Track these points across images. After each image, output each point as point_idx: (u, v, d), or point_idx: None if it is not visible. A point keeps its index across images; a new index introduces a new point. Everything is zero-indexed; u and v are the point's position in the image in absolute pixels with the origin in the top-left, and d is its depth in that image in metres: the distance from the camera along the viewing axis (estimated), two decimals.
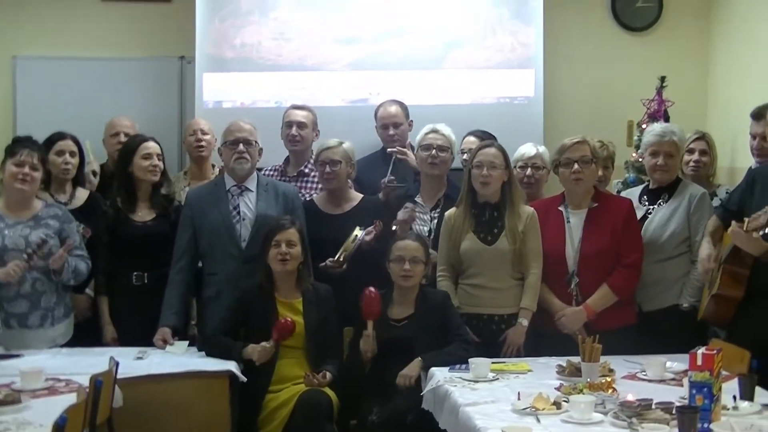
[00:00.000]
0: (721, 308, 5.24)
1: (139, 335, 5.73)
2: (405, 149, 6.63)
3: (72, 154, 6.14)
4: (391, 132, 6.83)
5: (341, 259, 5.92)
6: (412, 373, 5.24)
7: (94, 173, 6.63)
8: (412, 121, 6.93)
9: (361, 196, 6.33)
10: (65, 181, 6.16)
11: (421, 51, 7.66)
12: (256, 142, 6.10)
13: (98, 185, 6.57)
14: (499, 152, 5.69)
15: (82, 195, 6.22)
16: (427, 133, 6.14)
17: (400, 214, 5.97)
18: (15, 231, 5.54)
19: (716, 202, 6.08)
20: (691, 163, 6.36)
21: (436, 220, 6.00)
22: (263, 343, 5.42)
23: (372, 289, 5.44)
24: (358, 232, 5.95)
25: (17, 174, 5.52)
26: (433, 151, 6.07)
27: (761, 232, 4.87)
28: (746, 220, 4.99)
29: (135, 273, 5.94)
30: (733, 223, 5.06)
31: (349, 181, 6.36)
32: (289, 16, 7.64)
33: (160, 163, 6.05)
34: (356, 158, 6.38)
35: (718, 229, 5.49)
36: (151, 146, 6.04)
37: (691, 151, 6.36)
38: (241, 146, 6.01)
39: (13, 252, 5.48)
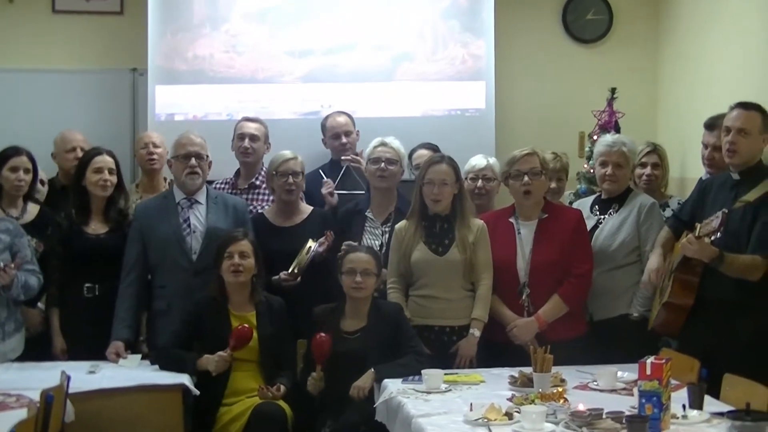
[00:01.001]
0: (671, 316, 5.29)
1: (90, 347, 5.70)
2: (358, 158, 6.65)
3: (26, 170, 6.05)
4: (344, 140, 6.88)
5: (295, 272, 5.92)
6: (365, 384, 5.23)
7: (41, 182, 6.53)
8: (359, 131, 6.99)
9: (311, 208, 6.37)
10: (17, 197, 6.10)
11: (372, 64, 7.68)
12: (207, 155, 6.10)
13: (47, 199, 6.52)
14: (449, 168, 5.71)
15: (33, 209, 6.15)
16: (376, 147, 6.16)
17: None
18: None
19: (668, 212, 6.13)
20: (644, 177, 6.39)
21: (387, 235, 6.00)
22: (220, 353, 5.41)
23: (322, 334, 5.41)
24: (312, 244, 5.96)
25: None
26: (382, 164, 6.08)
27: (712, 237, 4.94)
28: (698, 225, 5.06)
29: (86, 285, 5.89)
30: (684, 235, 5.13)
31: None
32: (240, 29, 7.64)
33: (112, 177, 5.99)
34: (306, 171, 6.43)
35: (670, 239, 5.54)
36: (102, 160, 5.99)
37: (643, 165, 6.39)
38: (193, 160, 6.01)
39: None
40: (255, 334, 5.55)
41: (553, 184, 6.24)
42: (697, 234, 5.02)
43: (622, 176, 5.99)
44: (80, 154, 6.59)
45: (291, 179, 6.18)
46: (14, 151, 6.07)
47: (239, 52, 7.64)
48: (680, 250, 5.22)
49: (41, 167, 6.38)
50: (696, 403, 4.28)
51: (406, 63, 7.70)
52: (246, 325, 5.48)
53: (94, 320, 5.85)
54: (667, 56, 8.07)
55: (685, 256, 5.15)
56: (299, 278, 5.94)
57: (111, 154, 6.08)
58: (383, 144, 6.15)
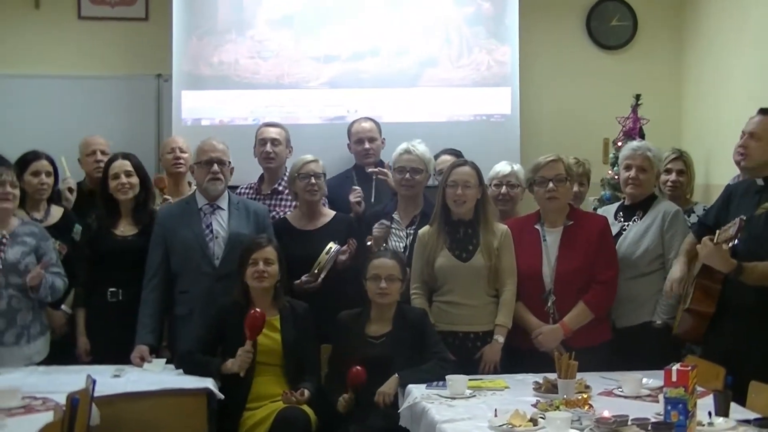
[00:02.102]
0: (693, 322, 5.28)
1: (114, 352, 5.72)
2: (385, 170, 6.64)
3: (47, 174, 6.11)
4: (367, 146, 6.88)
5: (316, 272, 5.93)
6: (390, 390, 5.23)
7: (70, 190, 6.62)
8: (384, 138, 6.99)
9: (334, 212, 6.37)
10: (40, 200, 6.14)
11: (397, 69, 7.70)
12: (229, 161, 6.12)
13: (75, 203, 6.56)
14: (473, 171, 5.71)
15: (56, 212, 6.21)
16: (401, 154, 6.13)
17: (376, 231, 6.00)
18: None
19: (693, 219, 6.11)
20: (669, 183, 6.39)
21: (411, 237, 5.99)
22: (240, 350, 5.40)
23: (257, 309, 5.41)
24: (332, 245, 5.96)
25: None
26: (407, 174, 6.07)
27: (730, 244, 4.92)
28: (717, 232, 5.04)
29: (110, 290, 5.93)
30: (704, 238, 5.11)
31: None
32: (265, 35, 7.68)
33: (130, 179, 6.03)
34: (329, 176, 6.47)
35: (694, 247, 5.51)
36: (118, 165, 6.05)
37: (668, 171, 6.39)
38: (215, 167, 6.02)
39: None
40: (279, 337, 5.57)
41: (575, 188, 6.26)
42: (715, 240, 5.01)
43: (646, 181, 5.97)
44: (100, 156, 6.72)
45: (313, 180, 6.20)
46: (34, 156, 6.12)
47: (264, 57, 7.67)
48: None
49: (70, 173, 6.42)
50: (722, 411, 4.25)
51: (431, 69, 7.71)
52: (257, 309, 5.46)
53: (119, 325, 5.87)
54: (692, 62, 8.05)
55: None
56: (320, 280, 5.95)
57: (127, 156, 6.13)
58: (408, 152, 6.11)
